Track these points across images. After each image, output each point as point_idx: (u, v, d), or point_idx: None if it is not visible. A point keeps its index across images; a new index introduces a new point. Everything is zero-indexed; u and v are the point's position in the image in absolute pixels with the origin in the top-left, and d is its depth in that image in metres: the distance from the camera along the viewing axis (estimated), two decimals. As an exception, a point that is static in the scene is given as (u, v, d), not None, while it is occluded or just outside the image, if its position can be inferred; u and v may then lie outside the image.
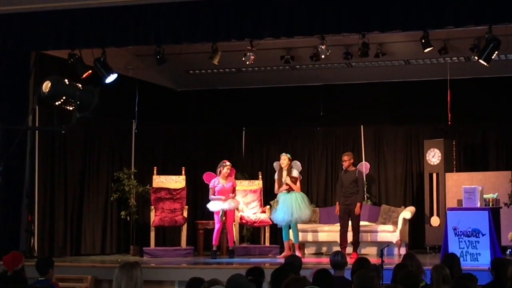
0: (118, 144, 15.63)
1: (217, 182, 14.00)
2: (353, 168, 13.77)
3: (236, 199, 14.17)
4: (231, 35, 12.50)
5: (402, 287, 6.22)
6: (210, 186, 14.04)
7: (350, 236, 13.61)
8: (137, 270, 6.07)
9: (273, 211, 13.86)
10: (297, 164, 13.89)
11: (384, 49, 14.10)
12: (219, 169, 14.02)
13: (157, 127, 16.15)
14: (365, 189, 15.51)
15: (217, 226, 13.90)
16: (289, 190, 13.63)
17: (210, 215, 14.70)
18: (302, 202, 13.66)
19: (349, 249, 13.40)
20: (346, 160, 13.78)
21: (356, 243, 13.48)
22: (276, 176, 13.91)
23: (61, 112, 6.89)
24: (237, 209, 14.35)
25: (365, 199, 15.55)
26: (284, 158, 13.77)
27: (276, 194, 13.93)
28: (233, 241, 14.08)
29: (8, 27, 13.04)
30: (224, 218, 13.82)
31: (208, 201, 14.07)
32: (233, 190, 14.10)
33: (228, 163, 14.06)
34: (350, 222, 13.61)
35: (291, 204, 13.52)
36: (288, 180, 13.57)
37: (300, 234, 13.97)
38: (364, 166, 14.11)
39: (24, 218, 12.98)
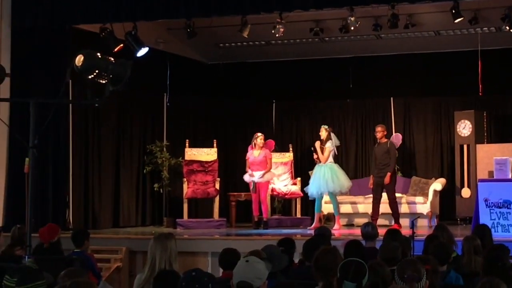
0: (150, 117, 15.78)
1: (250, 154, 14.18)
2: (385, 140, 13.72)
3: (270, 172, 14.29)
4: (260, 7, 12.51)
5: (434, 258, 6.26)
6: (246, 158, 14.26)
7: (382, 208, 13.64)
8: (171, 241, 6.17)
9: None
10: (334, 137, 13.93)
11: (414, 20, 14.02)
12: (253, 142, 14.18)
13: (189, 100, 16.23)
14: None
15: (252, 197, 14.16)
16: (324, 161, 13.70)
17: (242, 187, 14.84)
18: (335, 174, 13.66)
19: (380, 221, 13.45)
20: (380, 131, 13.71)
21: (395, 214, 13.48)
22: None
23: (94, 86, 6.97)
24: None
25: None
26: (322, 130, 13.81)
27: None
28: (267, 213, 14.21)
29: (40, 2, 13.14)
30: (255, 190, 14.01)
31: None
32: (266, 162, 14.16)
33: (259, 134, 14.20)
34: (383, 194, 13.63)
35: (322, 176, 13.57)
36: (318, 146, 13.63)
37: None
38: (396, 138, 14.04)
39: (60, 192, 13.23)
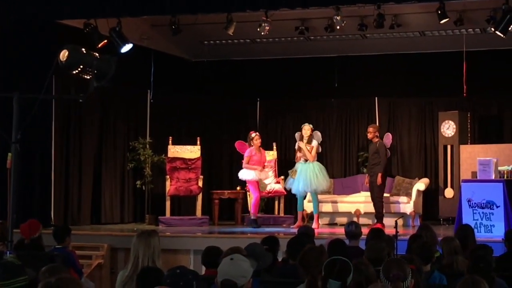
0: (134, 114, 15.71)
1: (254, 152, 13.99)
2: (377, 140, 13.80)
3: (265, 171, 14.30)
4: (246, 5, 12.48)
5: (418, 258, 6.27)
6: (246, 155, 14.03)
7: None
8: (154, 238, 6.13)
9: (289, 179, 13.86)
10: (317, 134, 13.94)
11: (399, 20, 14.04)
12: (250, 141, 14.04)
13: (172, 97, 16.17)
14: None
15: (255, 195, 13.98)
16: (306, 159, 13.65)
17: (225, 185, 14.76)
18: (320, 172, 13.69)
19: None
20: (371, 131, 13.85)
21: (378, 214, 13.56)
22: (296, 146, 13.95)
23: (77, 81, 6.92)
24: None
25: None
26: (308, 128, 13.79)
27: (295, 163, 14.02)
28: (257, 211, 14.11)
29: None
30: (264, 188, 14.03)
31: (236, 168, 14.22)
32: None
33: (255, 134, 14.11)
34: None
35: (309, 175, 13.56)
36: (303, 145, 13.60)
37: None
38: (386, 138, 14.09)
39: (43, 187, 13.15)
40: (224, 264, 4.59)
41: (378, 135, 13.87)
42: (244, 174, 14.03)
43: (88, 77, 6.56)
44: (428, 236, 8.08)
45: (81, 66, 6.49)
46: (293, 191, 13.82)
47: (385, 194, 14.47)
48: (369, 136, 13.90)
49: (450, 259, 7.23)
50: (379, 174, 13.49)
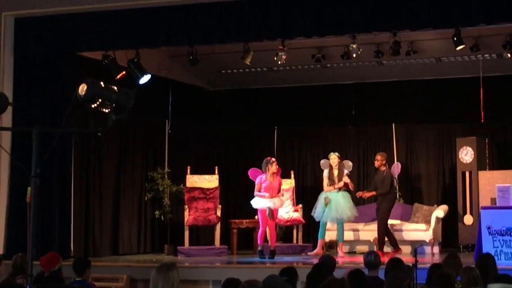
0: (152, 144, 15.75)
1: (264, 178, 13.56)
2: (384, 168, 13.86)
3: (281, 198, 13.77)
4: (262, 35, 12.50)
5: (438, 288, 6.23)
6: (256, 182, 13.62)
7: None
8: (174, 271, 6.13)
9: (319, 207, 13.88)
10: (348, 164, 14.07)
11: (415, 47, 14.07)
12: (266, 166, 13.56)
13: (190, 126, 16.23)
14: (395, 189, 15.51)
15: (261, 226, 13.59)
16: (340, 188, 13.78)
17: (243, 214, 14.73)
18: (348, 201, 13.90)
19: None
20: (378, 159, 13.95)
21: (379, 242, 13.57)
22: (325, 174, 14.03)
23: (95, 114, 6.96)
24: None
25: (397, 197, 15.50)
26: (335, 157, 13.91)
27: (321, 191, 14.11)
28: (275, 241, 13.73)
29: (42, 29, 13.16)
30: (272, 216, 13.40)
31: (253, 197, 13.65)
32: (280, 189, 13.66)
33: (274, 159, 13.76)
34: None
35: (342, 203, 13.66)
36: (347, 179, 13.79)
37: (335, 233, 14.03)
38: (396, 167, 14.17)
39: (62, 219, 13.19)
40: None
41: (385, 163, 13.94)
42: (254, 202, 13.64)
43: (107, 111, 6.60)
44: (456, 265, 7.98)
45: (100, 100, 6.53)
46: (324, 220, 13.83)
47: (403, 222, 14.47)
48: (377, 164, 13.98)
49: (470, 290, 7.18)
50: (372, 193, 13.79)
